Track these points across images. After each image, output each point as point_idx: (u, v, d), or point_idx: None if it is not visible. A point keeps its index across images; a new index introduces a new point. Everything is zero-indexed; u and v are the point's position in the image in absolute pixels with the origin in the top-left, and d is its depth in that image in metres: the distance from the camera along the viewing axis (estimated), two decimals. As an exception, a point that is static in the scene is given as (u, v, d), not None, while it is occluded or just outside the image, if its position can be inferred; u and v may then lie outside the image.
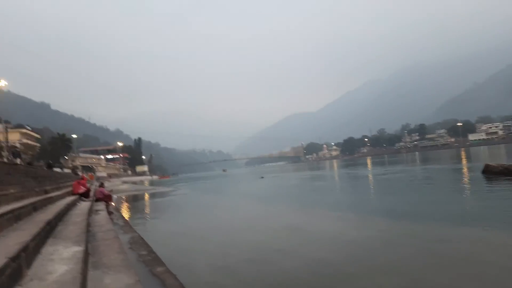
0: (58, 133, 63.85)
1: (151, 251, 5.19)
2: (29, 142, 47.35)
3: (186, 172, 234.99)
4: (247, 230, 7.60)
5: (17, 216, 4.40)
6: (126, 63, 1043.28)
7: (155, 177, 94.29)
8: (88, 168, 67.69)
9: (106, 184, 26.87)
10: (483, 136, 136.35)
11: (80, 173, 34.58)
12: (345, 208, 9.40)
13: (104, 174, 74.12)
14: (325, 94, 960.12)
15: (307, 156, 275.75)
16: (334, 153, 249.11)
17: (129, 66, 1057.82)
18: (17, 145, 39.71)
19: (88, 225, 5.82)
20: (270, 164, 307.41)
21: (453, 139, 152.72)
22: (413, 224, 6.82)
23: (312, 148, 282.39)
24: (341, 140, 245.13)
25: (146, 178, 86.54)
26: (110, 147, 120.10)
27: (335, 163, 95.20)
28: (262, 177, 32.93)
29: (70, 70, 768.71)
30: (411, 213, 7.81)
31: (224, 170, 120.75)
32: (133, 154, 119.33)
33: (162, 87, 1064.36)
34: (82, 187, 11.19)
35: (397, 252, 5.14)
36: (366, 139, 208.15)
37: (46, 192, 8.31)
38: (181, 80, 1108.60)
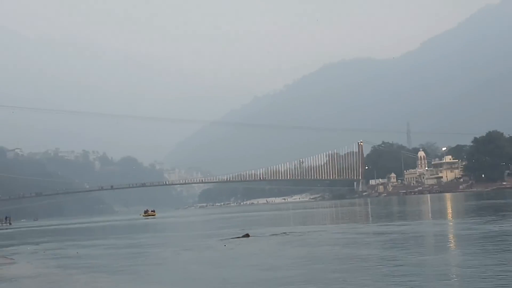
0: None
1: None
2: None
3: (37, 215, 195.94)
4: None
5: None
6: None
7: None
8: None
9: None
10: None
11: None
12: None
13: None
14: (423, 16, 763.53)
15: (371, 182, 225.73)
16: (447, 174, 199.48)
17: None
18: None
19: None
20: (271, 200, 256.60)
21: None
22: None
23: (387, 160, 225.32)
24: (466, 141, 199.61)
25: None
26: None
27: (449, 201, 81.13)
28: (247, 235, 27.59)
29: None
30: None
31: (148, 214, 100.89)
32: None
33: None
34: None
35: None
36: None
37: None
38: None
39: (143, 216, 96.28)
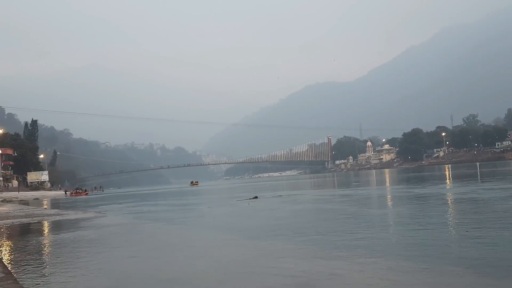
0: None
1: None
2: None
3: (120, 185, 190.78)
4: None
5: None
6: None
7: (60, 192, 76.81)
8: None
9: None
10: None
11: None
12: (406, 252, 7.24)
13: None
14: (369, 52, 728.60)
15: (337, 162, 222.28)
16: (386, 156, 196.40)
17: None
18: None
19: None
20: (271, 174, 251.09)
21: None
22: None
23: (346, 147, 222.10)
24: (398, 134, 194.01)
25: (46, 195, 69.77)
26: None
27: (387, 174, 78.80)
28: (256, 197, 26.19)
29: None
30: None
31: (193, 183, 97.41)
32: (22, 150, 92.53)
33: (83, 28, 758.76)
34: None
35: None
36: (443, 133, 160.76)
37: None
38: (120, 15, 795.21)
39: (190, 185, 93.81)
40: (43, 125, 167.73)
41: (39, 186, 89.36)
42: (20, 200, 51.27)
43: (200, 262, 8.01)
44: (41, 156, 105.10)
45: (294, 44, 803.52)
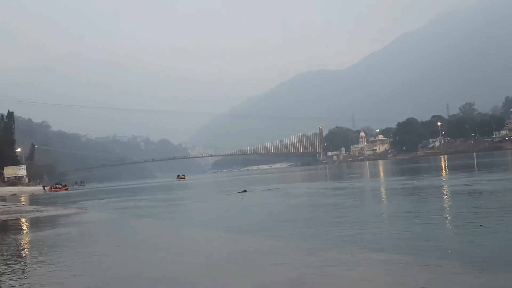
0: None
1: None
2: None
3: (102, 179, 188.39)
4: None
5: None
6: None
7: (38, 188, 78.29)
8: None
9: None
10: None
11: None
12: (397, 246, 7.32)
13: None
14: (361, 39, 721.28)
15: (329, 153, 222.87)
16: (380, 147, 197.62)
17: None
18: None
19: None
20: (260, 167, 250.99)
21: None
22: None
23: (339, 138, 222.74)
24: (392, 124, 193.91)
25: (24, 190, 69.71)
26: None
27: (381, 165, 79.34)
28: (245, 191, 26.01)
29: None
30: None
31: (180, 177, 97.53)
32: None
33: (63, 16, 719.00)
34: None
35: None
36: (439, 123, 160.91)
37: None
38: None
39: (177, 179, 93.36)
40: (20, 117, 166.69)
41: (16, 181, 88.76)
42: (-3, 196, 52.06)
43: (190, 259, 7.88)
44: (18, 149, 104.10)
45: (284, 31, 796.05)
